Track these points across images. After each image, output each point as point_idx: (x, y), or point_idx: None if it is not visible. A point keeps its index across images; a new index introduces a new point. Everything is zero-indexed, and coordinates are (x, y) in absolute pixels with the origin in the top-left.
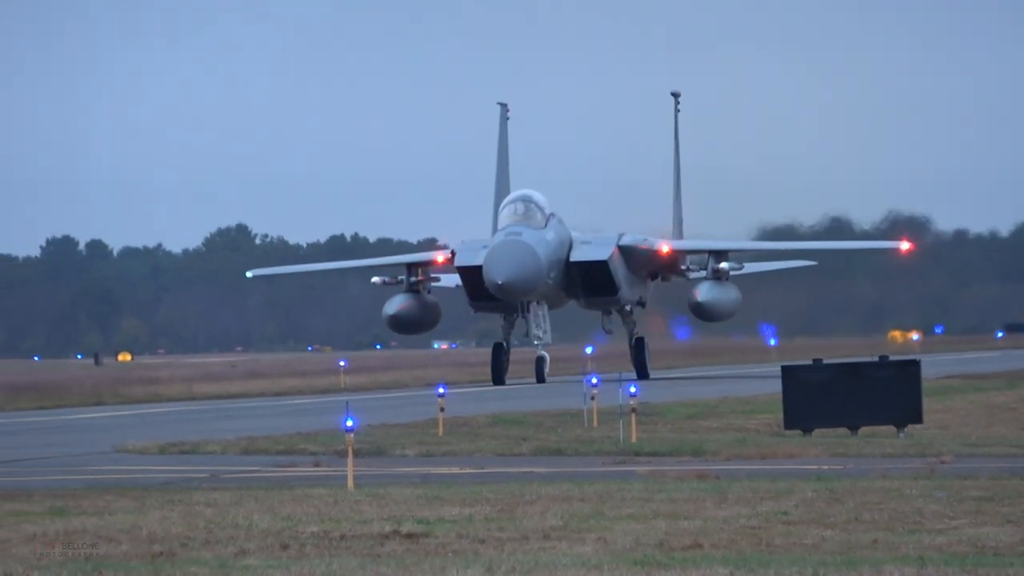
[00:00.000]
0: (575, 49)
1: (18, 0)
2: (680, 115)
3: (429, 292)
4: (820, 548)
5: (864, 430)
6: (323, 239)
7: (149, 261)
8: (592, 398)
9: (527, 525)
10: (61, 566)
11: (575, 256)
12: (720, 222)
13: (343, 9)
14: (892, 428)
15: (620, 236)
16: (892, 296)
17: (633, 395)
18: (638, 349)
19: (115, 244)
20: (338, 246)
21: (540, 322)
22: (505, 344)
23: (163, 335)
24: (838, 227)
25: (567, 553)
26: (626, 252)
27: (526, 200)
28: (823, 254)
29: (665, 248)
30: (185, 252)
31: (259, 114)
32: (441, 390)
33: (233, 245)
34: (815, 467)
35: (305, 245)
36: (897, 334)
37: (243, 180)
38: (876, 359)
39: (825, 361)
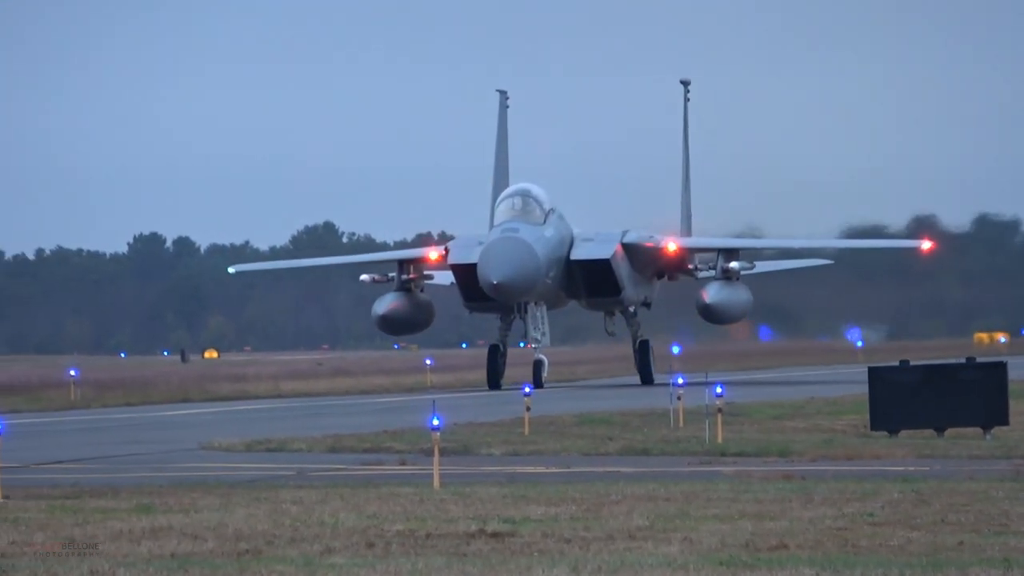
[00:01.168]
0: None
1: None
2: (690, 104)
3: (422, 291)
4: (906, 550)
5: (950, 432)
6: (410, 237)
7: (236, 258)
8: (678, 398)
9: (613, 525)
10: (147, 563)
11: (576, 254)
12: (801, 223)
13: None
14: (978, 430)
15: (624, 233)
16: (980, 298)
17: (719, 395)
18: (642, 353)
19: (202, 241)
20: (424, 244)
21: (538, 324)
22: (502, 347)
23: (250, 332)
24: (924, 228)
25: (653, 553)
26: (630, 250)
27: (524, 194)
28: (906, 255)
29: (672, 246)
30: (272, 249)
31: (346, 111)
32: (527, 389)
33: (320, 243)
34: (901, 468)
35: (392, 243)
36: (984, 336)
37: (331, 178)
38: (963, 361)
39: (912, 363)
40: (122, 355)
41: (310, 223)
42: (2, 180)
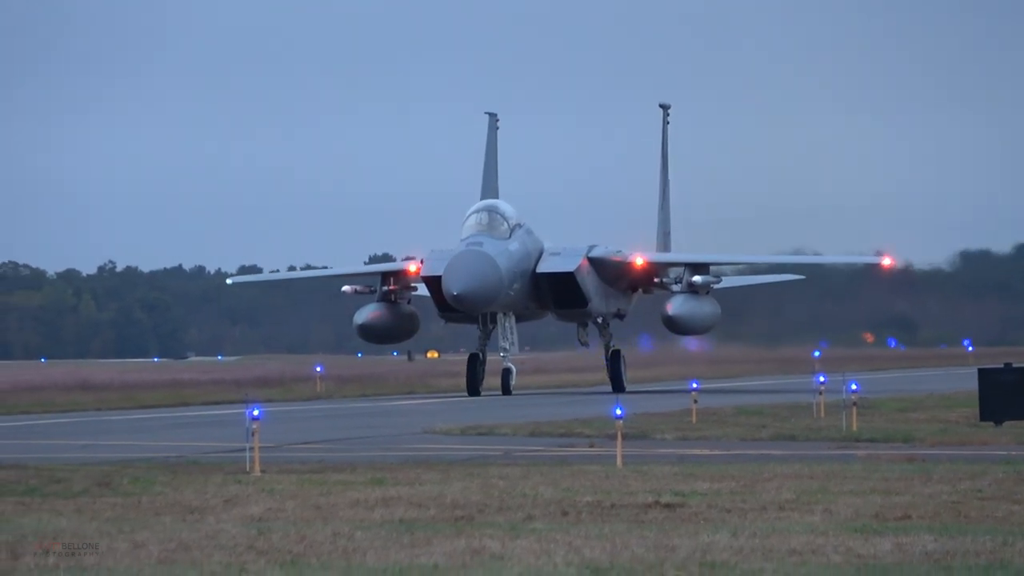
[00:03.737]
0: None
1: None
2: (669, 127)
3: (409, 302)
4: (1009, 520)
5: None
6: None
7: None
8: (820, 393)
9: (765, 498)
10: (379, 526)
11: (542, 267)
12: (920, 246)
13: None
14: None
15: (591, 248)
16: None
17: (854, 391)
18: (614, 362)
19: None
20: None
21: (507, 334)
22: (481, 355)
23: (464, 337)
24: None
25: (798, 522)
26: (597, 264)
27: (491, 210)
28: (1010, 273)
29: (639, 260)
30: None
31: (536, 142)
32: (694, 385)
33: None
34: (1004, 453)
35: None
36: None
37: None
38: None
39: (1014, 365)
40: (359, 355)
41: None
42: (264, 209)
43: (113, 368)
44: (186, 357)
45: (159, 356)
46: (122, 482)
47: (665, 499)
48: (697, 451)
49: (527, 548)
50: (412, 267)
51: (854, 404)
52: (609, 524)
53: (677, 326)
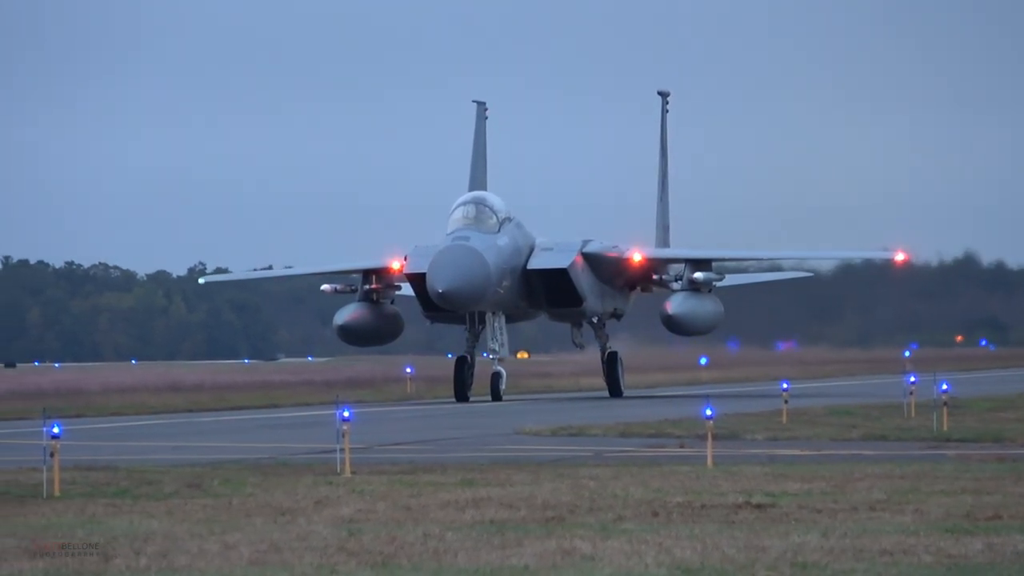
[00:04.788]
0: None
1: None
2: (668, 116)
3: (392, 302)
4: None
5: None
6: None
7: None
8: (911, 393)
9: (856, 498)
10: (470, 527)
11: (533, 264)
12: (1010, 245)
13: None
14: None
15: (585, 243)
16: None
17: (945, 391)
18: (610, 365)
19: None
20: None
21: (496, 334)
22: (469, 358)
23: (554, 337)
24: None
25: (889, 522)
26: (591, 260)
27: (478, 202)
28: None
29: (637, 256)
30: None
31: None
32: (784, 385)
33: None
34: None
35: None
36: None
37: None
38: None
39: None
40: (448, 356)
41: None
42: (353, 208)
43: (203, 370)
44: (276, 358)
45: (249, 358)
46: (213, 484)
47: (756, 499)
48: (787, 451)
49: (618, 549)
50: (396, 264)
51: (945, 404)
52: (700, 525)
53: (677, 326)
